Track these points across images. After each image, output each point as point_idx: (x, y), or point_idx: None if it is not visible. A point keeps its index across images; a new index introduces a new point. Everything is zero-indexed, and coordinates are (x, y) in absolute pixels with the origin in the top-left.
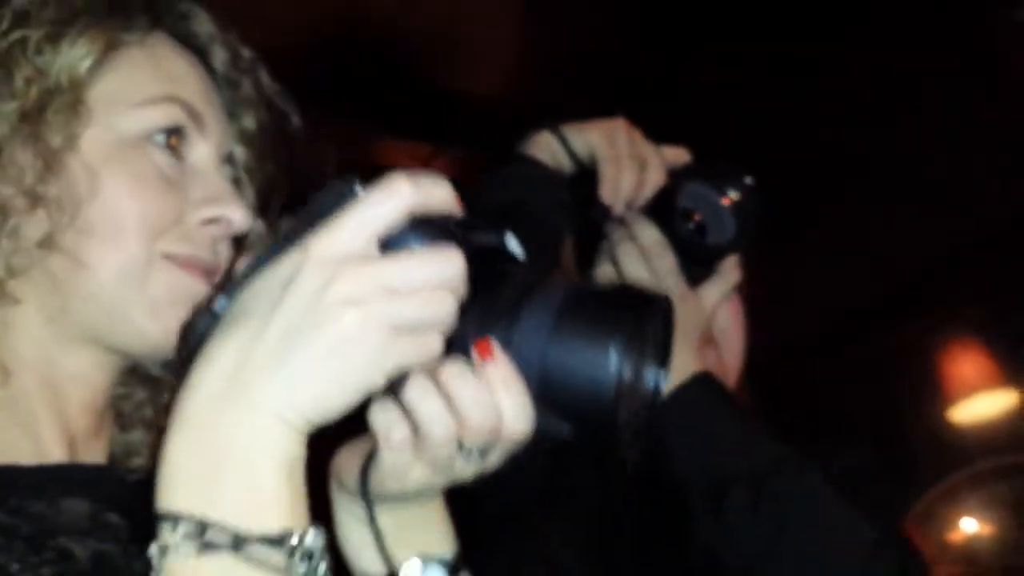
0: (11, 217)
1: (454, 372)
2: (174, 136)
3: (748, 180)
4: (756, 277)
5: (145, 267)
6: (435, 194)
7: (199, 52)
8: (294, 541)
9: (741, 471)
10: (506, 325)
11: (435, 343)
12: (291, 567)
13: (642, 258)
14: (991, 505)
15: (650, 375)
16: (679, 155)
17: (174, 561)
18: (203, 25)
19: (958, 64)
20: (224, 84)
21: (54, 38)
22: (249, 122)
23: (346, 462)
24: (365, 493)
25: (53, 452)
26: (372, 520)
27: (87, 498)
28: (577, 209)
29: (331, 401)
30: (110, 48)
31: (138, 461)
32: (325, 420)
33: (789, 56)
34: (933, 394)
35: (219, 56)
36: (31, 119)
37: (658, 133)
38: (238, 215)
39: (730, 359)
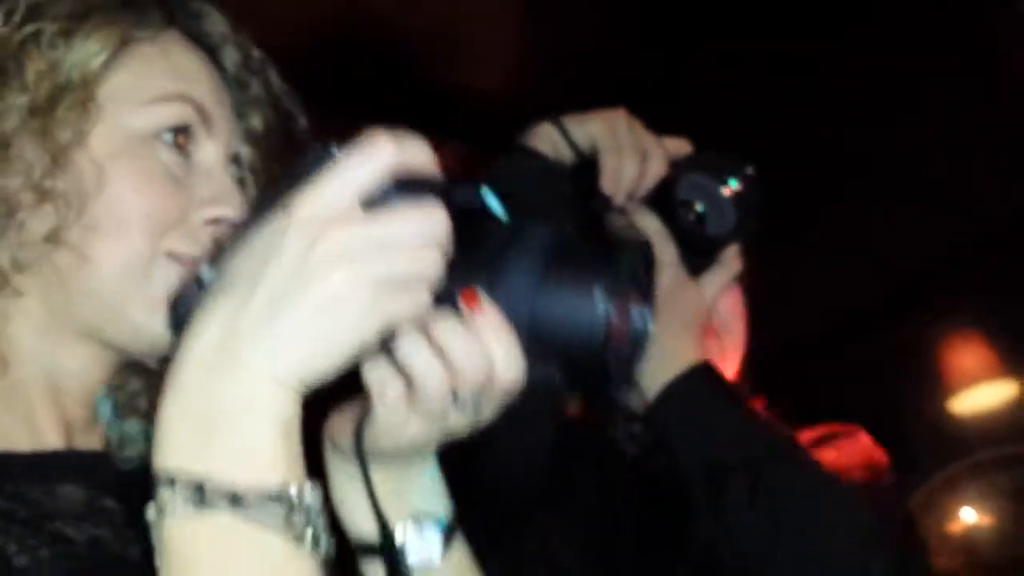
0: (18, 211)
1: (444, 324)
2: (182, 135)
3: (749, 170)
4: (756, 277)
5: (147, 264)
6: (415, 153)
7: (210, 51)
8: (292, 497)
9: (740, 461)
10: (490, 277)
11: (423, 298)
12: (289, 523)
13: None
14: (991, 495)
15: (636, 315)
16: (680, 146)
17: (172, 521)
18: (215, 24)
19: (958, 64)
20: (234, 84)
21: (67, 33)
22: (257, 122)
23: (340, 424)
24: (359, 451)
25: (50, 441)
26: (366, 478)
27: (83, 484)
28: (578, 200)
29: (323, 360)
30: (122, 45)
31: (132, 450)
32: (319, 379)
33: (789, 56)
34: (933, 385)
35: (230, 56)
36: (41, 113)
37: (658, 133)
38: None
39: (731, 349)
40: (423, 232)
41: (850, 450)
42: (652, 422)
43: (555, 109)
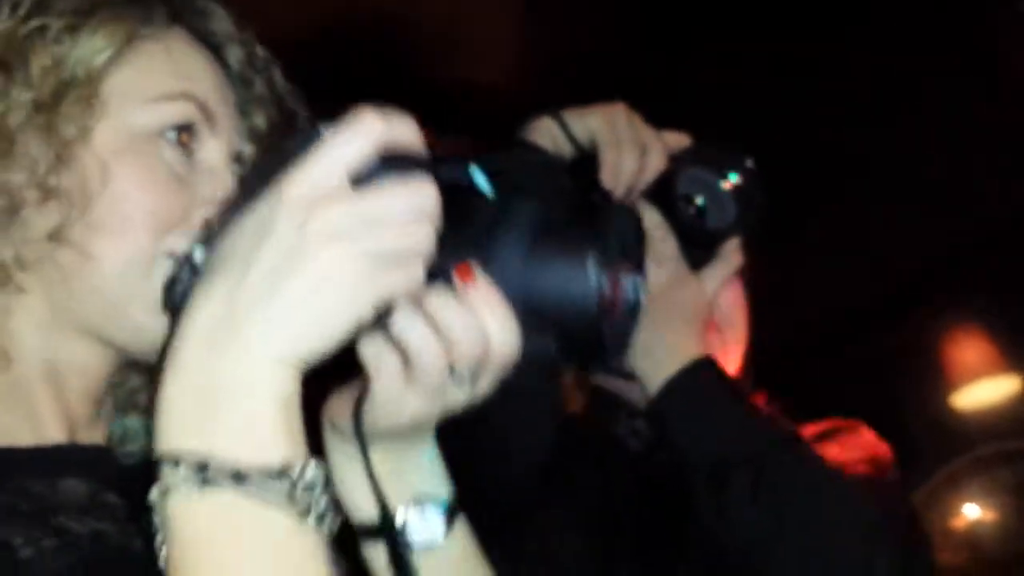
0: (22, 208)
1: (438, 298)
2: (185, 133)
3: (748, 164)
4: (756, 277)
5: (149, 263)
6: (402, 129)
7: (214, 49)
8: (295, 473)
9: (743, 455)
10: (482, 252)
11: (417, 272)
12: (293, 499)
13: None
14: (994, 491)
15: (628, 284)
16: (679, 140)
17: (176, 500)
18: (220, 23)
19: (958, 64)
20: (238, 82)
21: (73, 28)
22: (260, 121)
23: (339, 405)
24: (359, 430)
25: (53, 436)
26: (365, 457)
27: (85, 478)
28: (578, 194)
29: (321, 337)
30: (127, 41)
31: (134, 446)
32: (317, 356)
33: (789, 56)
34: (935, 380)
35: (235, 54)
36: (46, 109)
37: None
38: None
39: (732, 343)
40: (413, 207)
41: (853, 445)
42: (654, 417)
43: (555, 108)
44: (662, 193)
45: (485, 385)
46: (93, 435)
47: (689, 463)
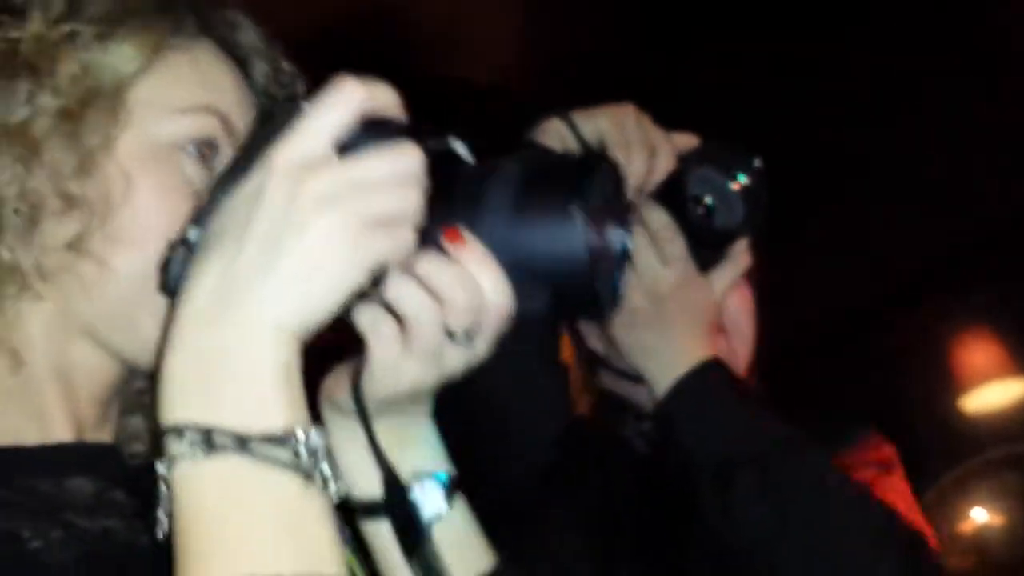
0: (45, 216)
1: (430, 261)
2: (206, 147)
3: (756, 163)
4: (757, 277)
5: None
6: (382, 95)
7: (240, 62)
8: (298, 438)
9: (748, 456)
10: (468, 215)
11: (408, 235)
12: (297, 463)
13: (652, 243)
14: (1002, 495)
15: (614, 234)
16: (688, 141)
17: (182, 469)
18: (248, 35)
19: (958, 64)
20: (262, 96)
21: (103, 36)
22: None
23: (337, 381)
24: (359, 400)
25: (60, 436)
26: (366, 426)
27: (92, 476)
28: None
29: (318, 304)
30: (156, 51)
31: (138, 446)
32: (315, 323)
33: (789, 56)
34: (942, 382)
35: (260, 68)
36: (72, 117)
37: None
38: None
39: (740, 346)
40: (400, 171)
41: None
42: (661, 418)
43: (561, 108)
44: (671, 194)
45: (482, 346)
46: (101, 436)
47: (695, 464)
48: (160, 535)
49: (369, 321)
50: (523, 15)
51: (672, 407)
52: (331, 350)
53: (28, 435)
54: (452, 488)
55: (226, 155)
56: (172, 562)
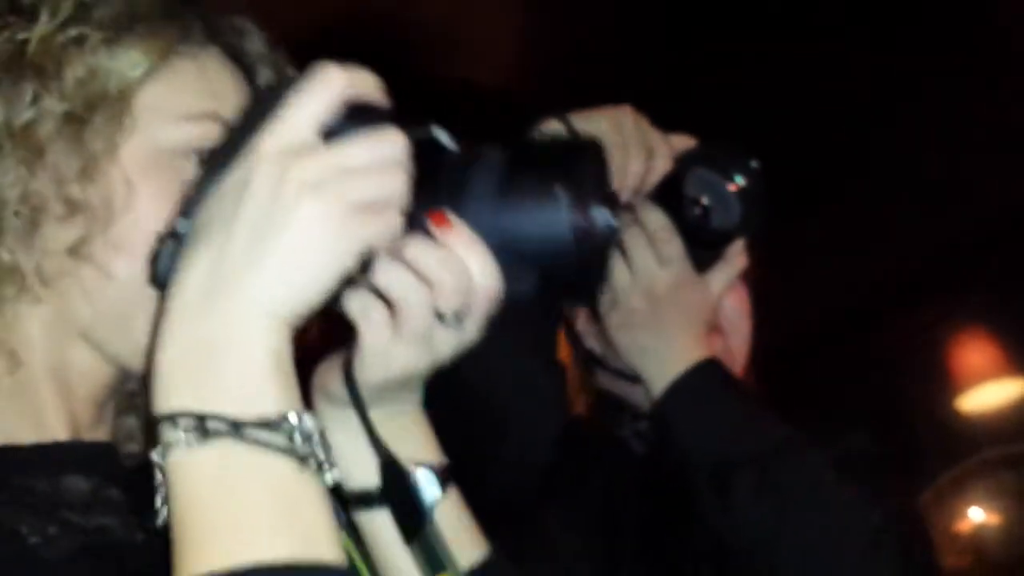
0: (46, 220)
1: (417, 245)
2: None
3: (754, 164)
4: (756, 277)
5: None
6: (364, 81)
7: (246, 69)
8: (291, 423)
9: (746, 456)
10: (453, 200)
11: (395, 219)
12: (292, 447)
13: (649, 244)
14: (999, 494)
15: (599, 214)
16: (685, 142)
17: (177, 456)
18: (255, 43)
19: (958, 64)
20: None
21: (111, 41)
22: None
23: (329, 371)
24: (352, 386)
25: (56, 436)
26: (361, 411)
27: (87, 475)
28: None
29: (308, 289)
30: (163, 57)
31: (133, 446)
32: (306, 309)
33: (789, 56)
34: (940, 383)
35: (264, 75)
36: (76, 121)
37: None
38: None
39: (736, 346)
40: (385, 155)
41: None
42: (658, 419)
43: (555, 108)
44: (668, 195)
45: (472, 328)
46: (97, 435)
47: (692, 464)
48: (160, 523)
49: (359, 307)
50: (523, 15)
51: (669, 407)
52: (321, 349)
53: (24, 434)
54: (445, 477)
55: None
56: (168, 558)
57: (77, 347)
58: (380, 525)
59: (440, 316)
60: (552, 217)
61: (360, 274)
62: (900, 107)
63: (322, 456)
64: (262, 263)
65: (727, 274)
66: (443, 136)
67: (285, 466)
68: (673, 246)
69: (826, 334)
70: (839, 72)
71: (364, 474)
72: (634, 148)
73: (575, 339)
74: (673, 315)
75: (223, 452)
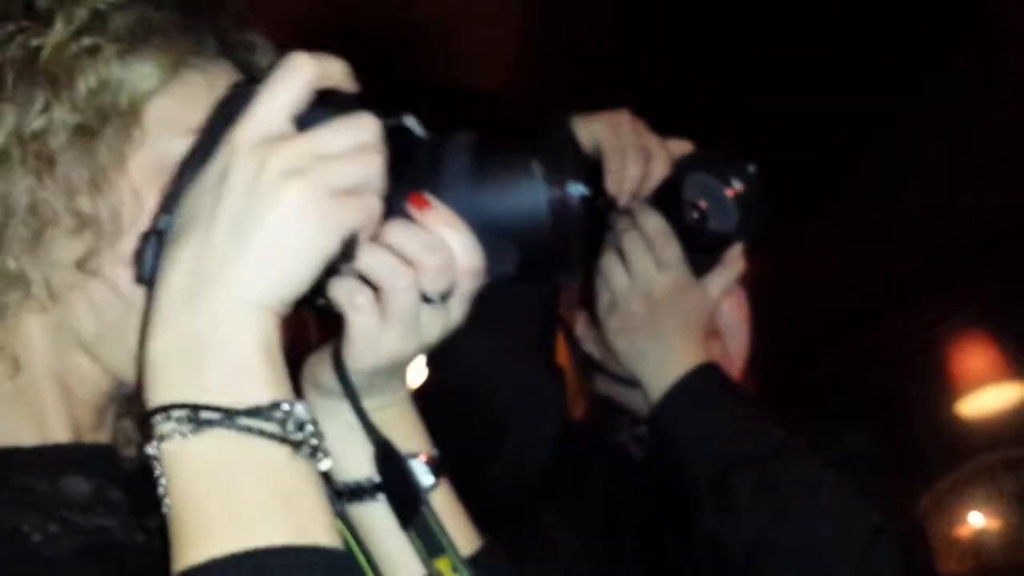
0: (55, 233)
1: (398, 228)
2: None
3: (751, 169)
4: (756, 277)
5: None
6: (334, 69)
7: (255, 82)
8: (283, 410)
9: (745, 458)
10: (430, 182)
11: (374, 202)
12: (285, 434)
13: (647, 248)
14: (998, 499)
15: (574, 190)
16: (684, 147)
17: (172, 446)
18: (266, 57)
19: (958, 64)
20: None
21: (125, 52)
22: None
23: (317, 362)
24: (342, 372)
25: (57, 438)
26: (352, 397)
27: (87, 476)
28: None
29: (293, 276)
30: (175, 70)
31: (132, 450)
32: (292, 295)
33: (789, 56)
34: (941, 387)
35: None
36: (87, 132)
37: (658, 133)
38: None
39: (735, 350)
40: (359, 140)
41: None
42: (657, 422)
43: (555, 109)
44: (666, 199)
45: (457, 308)
46: (98, 438)
47: (691, 466)
48: (163, 513)
49: (345, 293)
50: (523, 15)
51: (667, 411)
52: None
53: (26, 436)
54: (437, 467)
55: None
56: (167, 557)
57: (77, 355)
58: (374, 516)
59: (425, 297)
60: (526, 191)
61: (344, 261)
62: (900, 107)
63: (316, 443)
64: (245, 254)
65: (725, 278)
66: (412, 123)
67: (279, 453)
68: (671, 250)
69: (826, 334)
70: (839, 72)
71: (356, 466)
72: (632, 152)
73: (573, 343)
74: (671, 319)
75: (216, 442)
